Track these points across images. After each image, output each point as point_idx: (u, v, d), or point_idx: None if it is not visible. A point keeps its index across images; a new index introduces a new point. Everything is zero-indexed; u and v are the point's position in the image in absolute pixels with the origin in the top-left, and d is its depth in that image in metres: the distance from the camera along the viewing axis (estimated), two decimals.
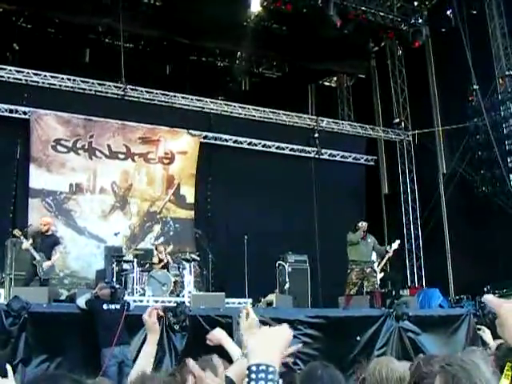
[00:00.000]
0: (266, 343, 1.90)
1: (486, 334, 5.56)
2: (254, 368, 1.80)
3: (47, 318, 8.53)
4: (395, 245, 13.58)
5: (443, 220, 17.52)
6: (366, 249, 12.47)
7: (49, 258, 10.95)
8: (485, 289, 14.64)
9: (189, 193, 17.02)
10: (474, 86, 15.76)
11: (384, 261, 13.40)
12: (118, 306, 8.84)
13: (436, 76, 18.02)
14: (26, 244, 10.88)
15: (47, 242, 11.15)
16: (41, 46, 16.59)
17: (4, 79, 14.88)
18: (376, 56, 20.06)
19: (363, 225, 12.54)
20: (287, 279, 13.95)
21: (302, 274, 14.44)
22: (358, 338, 10.28)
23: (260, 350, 1.87)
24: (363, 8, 16.12)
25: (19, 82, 15.08)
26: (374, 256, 12.84)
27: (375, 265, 12.68)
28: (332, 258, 15.56)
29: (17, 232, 11.25)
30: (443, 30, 16.81)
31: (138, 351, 8.79)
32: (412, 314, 10.90)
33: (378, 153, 19.89)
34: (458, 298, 15.82)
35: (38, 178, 15.29)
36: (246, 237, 13.46)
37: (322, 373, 3.09)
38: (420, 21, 16.84)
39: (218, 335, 3.32)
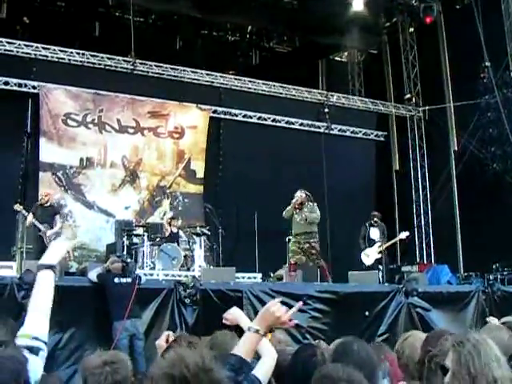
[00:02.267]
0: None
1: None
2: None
3: (59, 291, 8.53)
4: (402, 235, 13.46)
5: (453, 197, 17.48)
6: (300, 221, 11.78)
7: (52, 228, 11.38)
8: (494, 266, 14.66)
9: (199, 167, 17.02)
10: (486, 63, 15.60)
11: (385, 245, 13.31)
12: (129, 280, 8.90)
13: (448, 52, 17.83)
14: (30, 218, 11.06)
15: (47, 213, 11.48)
16: (51, 20, 16.47)
17: (13, 53, 14.82)
18: (387, 31, 19.84)
19: (296, 196, 11.84)
20: None
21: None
22: (367, 313, 10.32)
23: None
24: None
25: (28, 56, 15.02)
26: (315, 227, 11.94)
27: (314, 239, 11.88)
28: (341, 233, 15.60)
29: (17, 206, 11.37)
30: (456, 6, 16.63)
31: (149, 325, 8.99)
32: (421, 290, 10.91)
33: (389, 129, 19.76)
34: (466, 274, 15.82)
35: (48, 151, 15.30)
36: (255, 212, 13.48)
37: (359, 348, 3.02)
38: None
39: (234, 314, 3.25)
